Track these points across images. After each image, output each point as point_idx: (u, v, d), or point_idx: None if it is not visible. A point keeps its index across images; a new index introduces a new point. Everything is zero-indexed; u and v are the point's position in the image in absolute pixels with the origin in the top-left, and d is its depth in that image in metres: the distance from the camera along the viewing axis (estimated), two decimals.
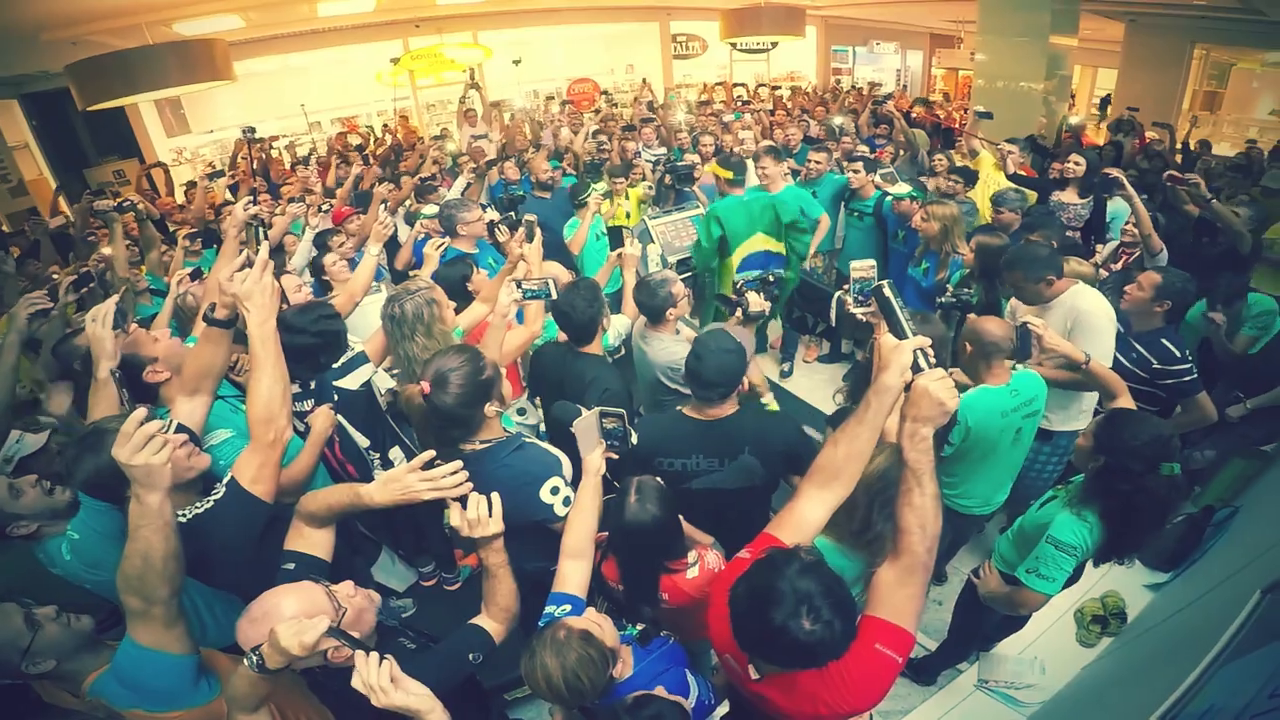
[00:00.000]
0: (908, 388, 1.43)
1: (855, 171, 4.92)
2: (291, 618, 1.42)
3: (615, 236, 3.57)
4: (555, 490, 2.05)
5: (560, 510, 2.04)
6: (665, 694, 1.70)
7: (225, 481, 1.80)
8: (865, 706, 1.42)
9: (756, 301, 2.76)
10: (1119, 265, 3.87)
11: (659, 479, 2.03)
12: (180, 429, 1.90)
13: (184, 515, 1.74)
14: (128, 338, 2.27)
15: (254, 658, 1.40)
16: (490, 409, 2.03)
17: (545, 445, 2.22)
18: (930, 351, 1.43)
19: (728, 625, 1.45)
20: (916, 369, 1.42)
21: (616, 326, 3.14)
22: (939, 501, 1.43)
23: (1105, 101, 9.81)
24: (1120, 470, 1.99)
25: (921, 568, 1.42)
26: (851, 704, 1.40)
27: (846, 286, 2.00)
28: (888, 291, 1.51)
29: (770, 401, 3.08)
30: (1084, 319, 2.76)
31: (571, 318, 2.75)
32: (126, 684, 1.58)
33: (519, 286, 2.68)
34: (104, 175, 9.62)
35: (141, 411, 1.47)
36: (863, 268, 2.11)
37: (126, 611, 1.54)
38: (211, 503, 1.77)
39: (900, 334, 1.46)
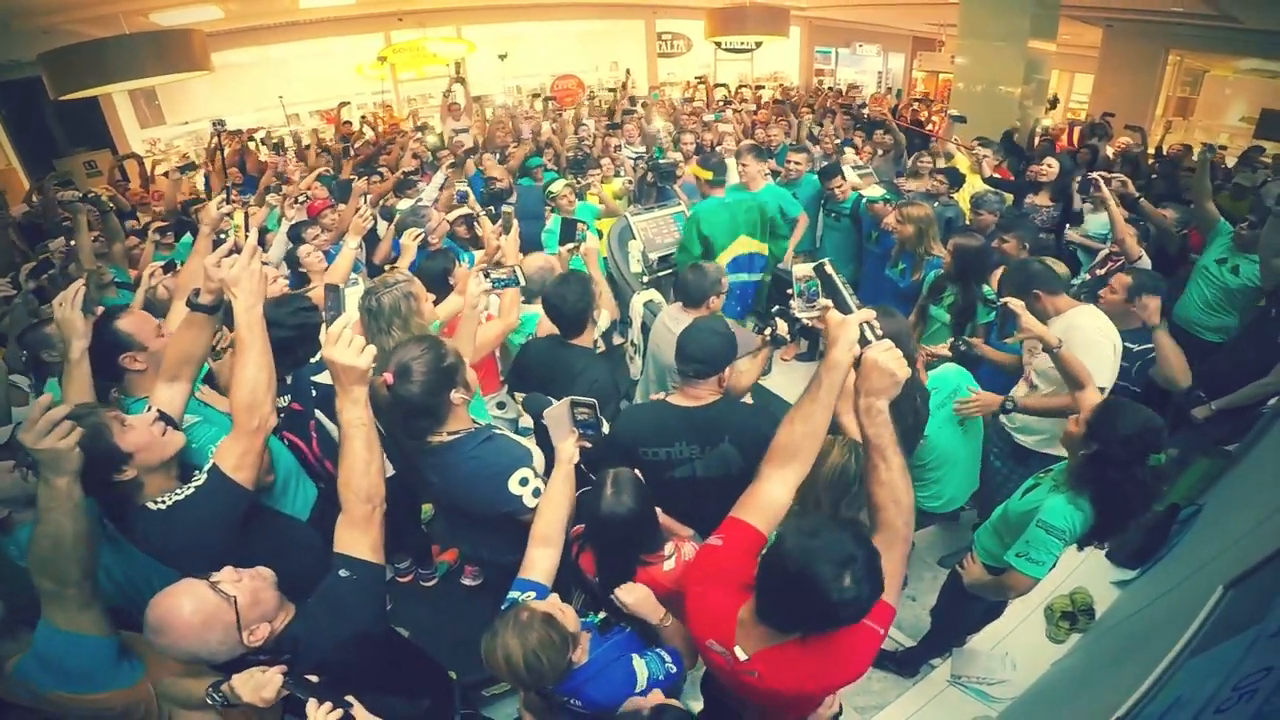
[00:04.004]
0: (858, 362, 1.45)
1: (838, 187, 4.93)
2: (191, 616, 1.45)
3: (568, 231, 3.57)
4: (524, 481, 2.05)
5: (530, 501, 2.05)
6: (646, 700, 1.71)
7: (207, 468, 1.77)
8: (850, 678, 1.45)
9: (784, 328, 2.78)
10: (1103, 271, 3.93)
11: (636, 472, 2.04)
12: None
13: (162, 502, 1.73)
14: (130, 316, 2.25)
15: (217, 697, 1.45)
16: (457, 396, 2.02)
17: (515, 437, 2.22)
18: (876, 324, 1.46)
19: (707, 611, 1.48)
20: (864, 342, 1.44)
21: (599, 322, 3.15)
22: (906, 473, 1.45)
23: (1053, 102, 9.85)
24: (1111, 458, 2.05)
25: (900, 540, 1.45)
26: (838, 675, 1.43)
27: (790, 291, 2.03)
28: (829, 269, 1.54)
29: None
30: (1072, 335, 2.76)
31: (562, 309, 2.76)
32: (46, 667, 1.58)
33: (487, 276, 2.70)
34: (75, 166, 9.40)
35: (47, 397, 1.50)
36: (806, 271, 2.11)
37: (40, 594, 1.55)
38: (192, 489, 1.75)
39: (845, 309, 1.48)
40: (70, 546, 1.50)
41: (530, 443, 2.24)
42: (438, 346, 2.00)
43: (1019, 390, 2.98)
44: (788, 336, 2.80)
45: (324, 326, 1.74)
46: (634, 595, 1.87)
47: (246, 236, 1.98)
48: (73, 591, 1.54)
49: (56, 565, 1.51)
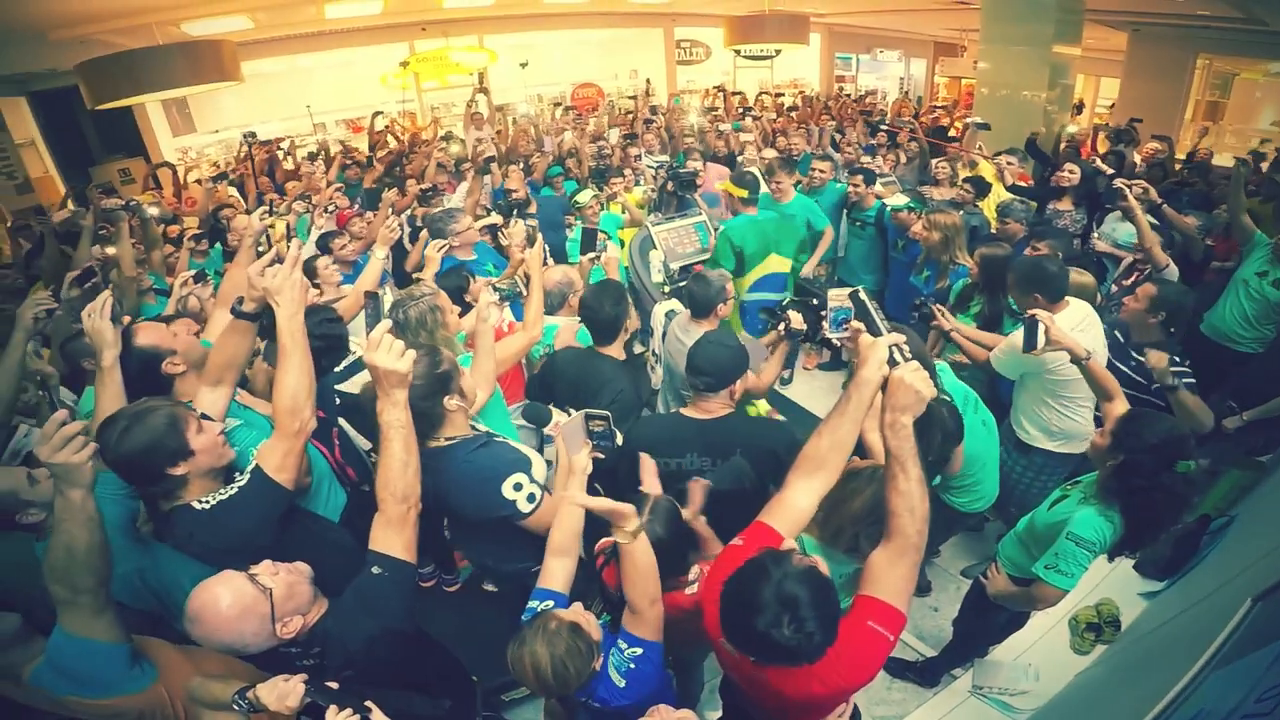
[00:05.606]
0: (886, 381, 1.53)
1: (855, 186, 4.96)
2: (228, 608, 1.52)
3: (588, 240, 3.62)
4: (518, 486, 2.08)
5: (524, 506, 2.08)
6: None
7: (249, 469, 1.84)
8: (860, 682, 1.48)
9: (797, 320, 2.81)
10: (1130, 281, 3.90)
11: (673, 501, 2.07)
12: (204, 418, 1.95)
13: (206, 502, 1.79)
14: (143, 329, 2.32)
15: (242, 703, 1.50)
16: (452, 403, 2.07)
17: (514, 444, 2.27)
18: (905, 347, 1.54)
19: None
20: (893, 363, 1.52)
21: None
22: (924, 485, 1.50)
23: (1078, 107, 9.80)
24: (1138, 467, 2.05)
25: (913, 549, 1.50)
26: (847, 679, 1.46)
27: (822, 314, 2.09)
28: (863, 295, 1.67)
29: (761, 408, 3.13)
30: None
31: (597, 315, 2.84)
32: (61, 672, 1.62)
33: (494, 289, 2.79)
34: (109, 174, 9.64)
35: (62, 413, 1.55)
36: (839, 297, 2.17)
37: (55, 600, 1.60)
38: (235, 489, 1.82)
39: (876, 332, 1.59)
40: (84, 556, 1.55)
41: (530, 450, 2.28)
42: (434, 353, 2.06)
43: None
44: (804, 327, 2.82)
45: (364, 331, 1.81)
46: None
47: (288, 247, 2.06)
48: (86, 599, 1.59)
49: (70, 574, 1.56)
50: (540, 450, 2.67)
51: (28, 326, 2.79)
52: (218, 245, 5.10)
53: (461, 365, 2.23)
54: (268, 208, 3.29)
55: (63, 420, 1.52)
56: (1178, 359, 2.90)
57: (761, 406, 3.18)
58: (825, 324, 2.11)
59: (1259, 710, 1.18)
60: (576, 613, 1.76)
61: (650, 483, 2.18)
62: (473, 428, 2.22)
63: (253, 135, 6.71)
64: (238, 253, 2.84)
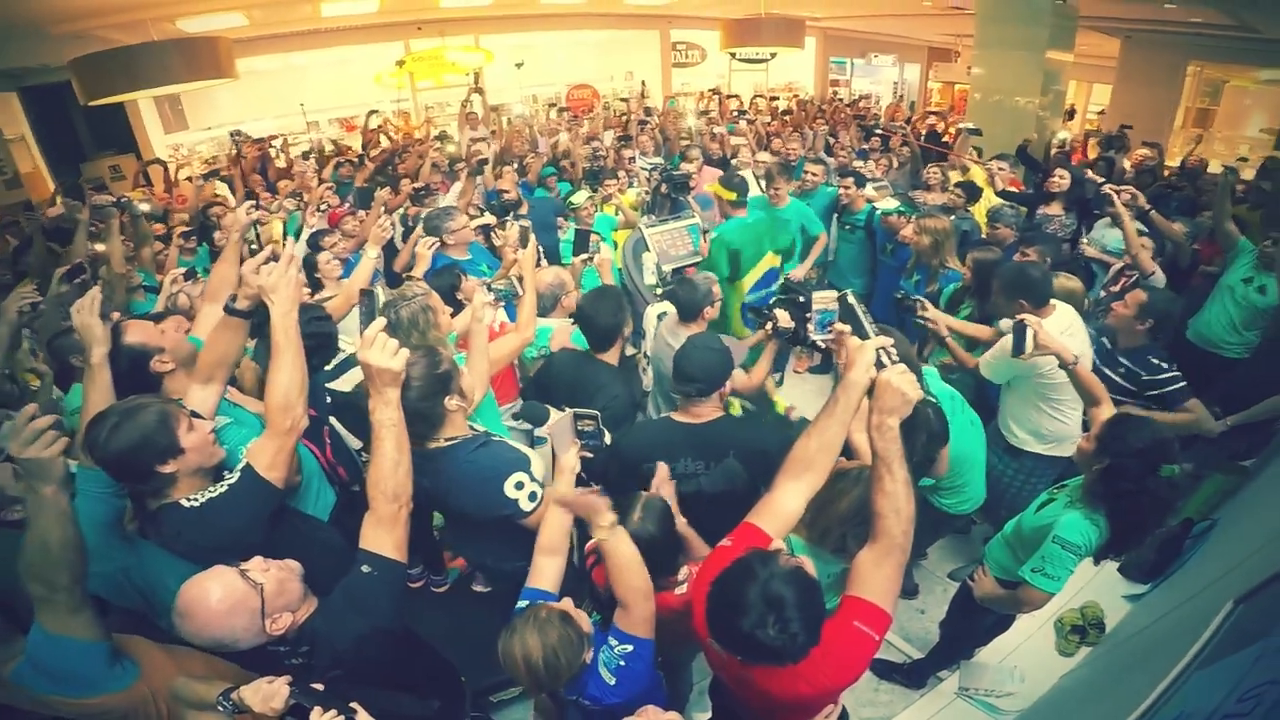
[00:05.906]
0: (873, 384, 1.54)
1: (845, 188, 4.98)
2: (219, 602, 1.52)
3: (581, 242, 3.62)
4: (520, 485, 2.09)
5: (526, 505, 2.08)
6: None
7: (240, 467, 1.83)
8: (846, 682, 1.50)
9: (784, 319, 2.81)
10: (1118, 287, 3.94)
11: (666, 501, 2.08)
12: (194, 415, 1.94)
13: (195, 499, 1.78)
14: (132, 327, 2.31)
15: (227, 704, 1.49)
16: (452, 403, 2.07)
17: (512, 443, 2.27)
18: (892, 350, 1.56)
19: None
20: (880, 366, 1.54)
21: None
22: (909, 486, 1.52)
23: (1070, 113, 9.88)
24: (1124, 471, 2.08)
25: (898, 550, 1.52)
26: (832, 679, 1.48)
27: (809, 316, 2.11)
28: (851, 299, 1.68)
29: (780, 402, 3.15)
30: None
31: (595, 322, 2.84)
32: (41, 670, 1.61)
33: (490, 289, 2.77)
34: (100, 170, 9.57)
35: (32, 406, 1.54)
36: (825, 299, 2.18)
37: (33, 598, 1.59)
38: (225, 488, 1.81)
39: (864, 335, 1.60)
40: (58, 552, 1.54)
41: (527, 448, 2.29)
42: (433, 354, 2.06)
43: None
44: (790, 326, 2.83)
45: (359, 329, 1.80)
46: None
47: (284, 245, 2.05)
48: (62, 596, 1.57)
49: (45, 571, 1.54)
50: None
51: (11, 320, 2.78)
52: (204, 244, 5.08)
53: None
54: (254, 202, 3.26)
55: (33, 414, 1.51)
56: (1165, 364, 2.94)
57: (780, 404, 3.21)
58: (810, 326, 2.12)
59: (1240, 710, 1.19)
60: (566, 605, 1.76)
61: (666, 494, 2.18)
62: (471, 428, 2.22)
63: (239, 134, 6.68)
64: (225, 248, 2.82)
